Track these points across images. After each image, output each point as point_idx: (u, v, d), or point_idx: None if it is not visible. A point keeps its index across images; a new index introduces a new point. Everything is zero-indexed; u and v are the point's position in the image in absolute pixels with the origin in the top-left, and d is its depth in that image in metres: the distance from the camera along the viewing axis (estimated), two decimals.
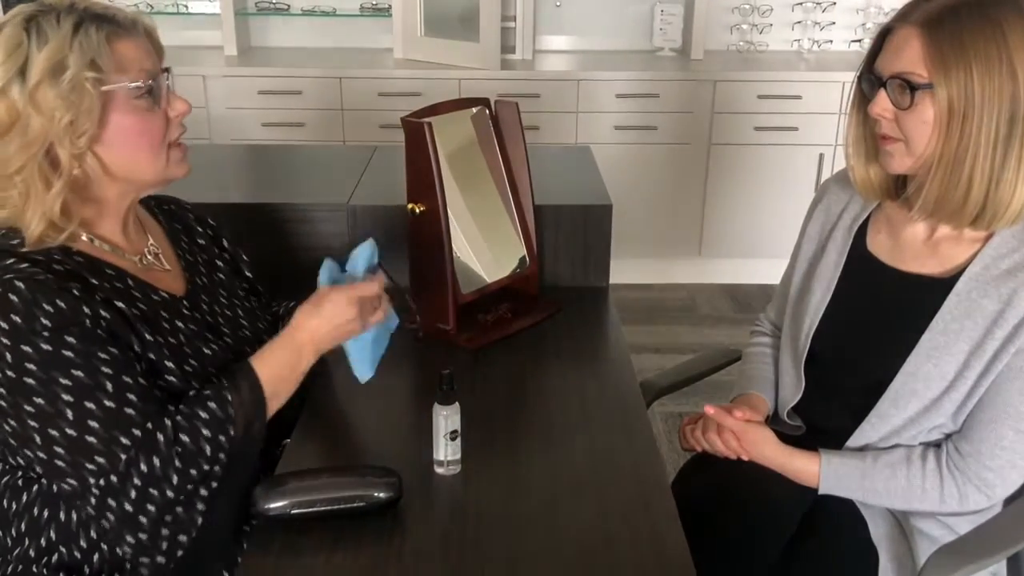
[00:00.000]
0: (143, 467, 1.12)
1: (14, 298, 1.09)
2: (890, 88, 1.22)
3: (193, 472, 1.15)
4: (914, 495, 1.29)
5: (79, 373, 1.10)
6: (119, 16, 1.19)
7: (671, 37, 3.83)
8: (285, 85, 3.55)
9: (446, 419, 1.20)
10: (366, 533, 1.12)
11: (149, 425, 1.13)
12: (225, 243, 1.49)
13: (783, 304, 1.54)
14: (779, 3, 3.89)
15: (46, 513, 1.18)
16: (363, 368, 1.35)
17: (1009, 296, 1.23)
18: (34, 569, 1.19)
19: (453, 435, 1.21)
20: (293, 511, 1.13)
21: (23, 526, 1.19)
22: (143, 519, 1.13)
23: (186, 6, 3.86)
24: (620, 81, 3.55)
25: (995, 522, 1.28)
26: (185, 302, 1.31)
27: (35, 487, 1.19)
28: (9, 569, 1.20)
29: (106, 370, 1.12)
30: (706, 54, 3.79)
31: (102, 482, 1.11)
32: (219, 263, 1.45)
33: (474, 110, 1.69)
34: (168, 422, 1.14)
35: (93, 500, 1.13)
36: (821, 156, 3.60)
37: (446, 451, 1.22)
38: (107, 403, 1.11)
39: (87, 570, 1.19)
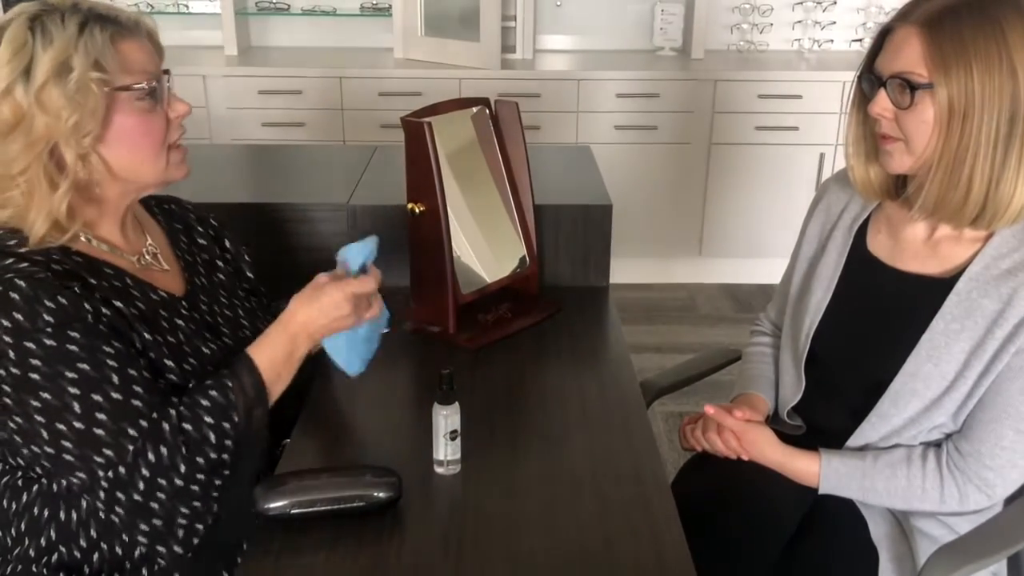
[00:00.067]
0: (151, 457, 1.12)
1: (15, 296, 1.09)
2: (890, 88, 1.22)
3: (200, 460, 1.15)
4: (914, 495, 1.29)
5: (85, 366, 1.11)
6: (122, 17, 1.19)
7: (671, 37, 3.83)
8: (285, 85, 3.56)
9: (446, 419, 1.21)
10: (366, 533, 1.12)
11: (155, 415, 1.14)
12: (227, 243, 1.49)
13: (783, 304, 1.54)
14: (779, 3, 3.88)
15: (46, 513, 1.18)
16: (353, 363, 1.35)
17: (1009, 296, 1.23)
18: (34, 569, 1.19)
19: (453, 435, 1.21)
20: (293, 511, 1.13)
21: (23, 526, 1.19)
22: (155, 506, 1.13)
23: (186, 6, 3.86)
24: (620, 81, 3.55)
25: (995, 522, 1.28)
26: (184, 302, 1.31)
27: (35, 487, 1.19)
28: (9, 569, 1.21)
29: (111, 363, 1.13)
30: (706, 54, 3.79)
31: (111, 474, 1.12)
32: (220, 263, 1.45)
33: (474, 110, 1.69)
34: (172, 412, 1.15)
35: (102, 493, 1.13)
36: (822, 156, 3.60)
37: (446, 451, 1.22)
38: (114, 395, 1.12)
39: (87, 570, 1.19)
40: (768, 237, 3.66)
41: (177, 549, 1.16)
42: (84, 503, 1.17)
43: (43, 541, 1.19)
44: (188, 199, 1.49)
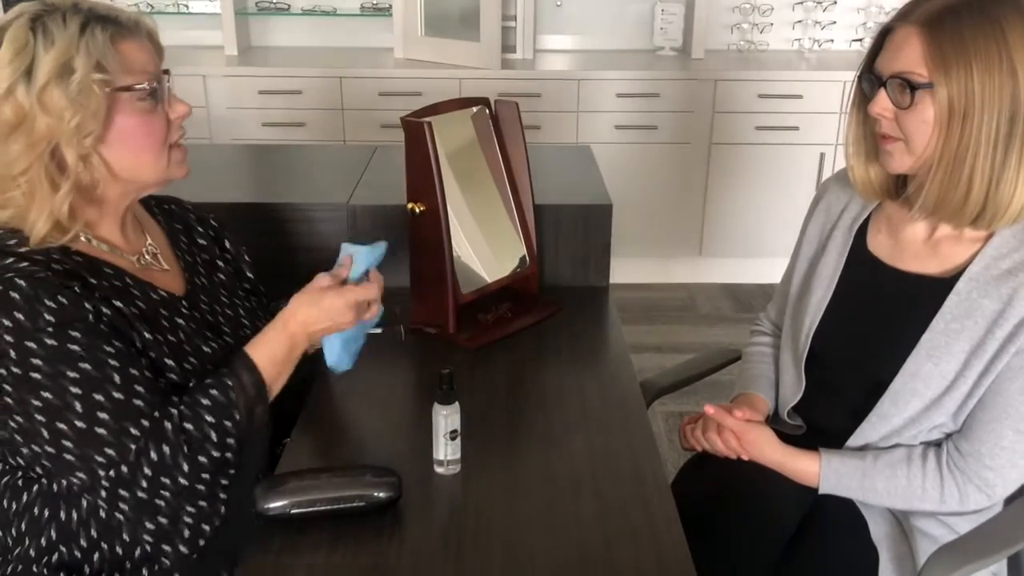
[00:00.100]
0: (153, 456, 1.12)
1: (16, 296, 1.09)
2: (890, 88, 1.22)
3: (203, 459, 1.15)
4: (914, 495, 1.29)
5: (86, 366, 1.11)
6: (122, 17, 1.19)
7: (672, 36, 3.83)
8: (285, 85, 3.56)
9: (446, 419, 1.21)
10: (366, 533, 1.12)
11: (156, 414, 1.14)
12: (227, 243, 1.49)
13: (783, 304, 1.54)
14: (780, 2, 3.88)
15: (46, 513, 1.19)
16: (344, 361, 1.35)
17: (1009, 296, 1.23)
18: (34, 569, 1.19)
19: (453, 435, 1.21)
20: (293, 511, 1.13)
21: (23, 526, 1.19)
22: (160, 503, 1.13)
23: (186, 6, 3.86)
24: (621, 80, 3.55)
25: (995, 521, 1.28)
26: (184, 301, 1.31)
27: (35, 487, 1.19)
28: (9, 569, 1.21)
29: (113, 362, 1.13)
30: (707, 53, 3.79)
31: (112, 473, 1.12)
32: (220, 263, 1.45)
33: (474, 110, 1.69)
34: (174, 411, 1.15)
35: (104, 492, 1.13)
36: (822, 155, 3.60)
37: (446, 451, 1.22)
38: (116, 394, 1.12)
39: (87, 570, 1.19)
40: (768, 237, 3.66)
41: (183, 549, 1.16)
42: (84, 503, 1.17)
43: (43, 541, 1.19)
44: (188, 199, 1.49)
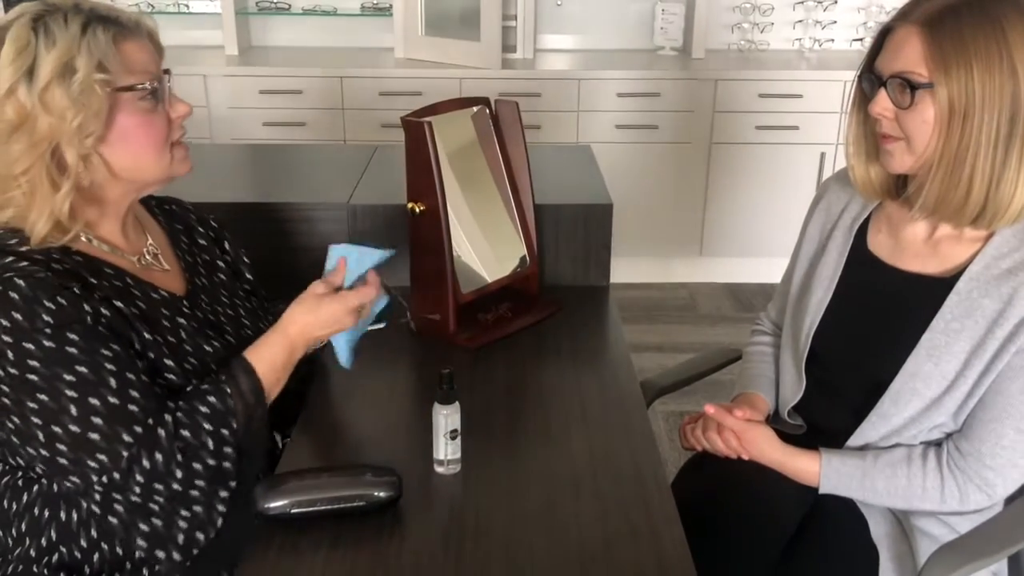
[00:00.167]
0: (145, 463, 1.12)
1: (15, 296, 1.09)
2: (890, 87, 1.22)
3: (198, 467, 1.15)
4: (915, 494, 1.29)
5: (83, 369, 1.11)
6: (123, 17, 1.19)
7: (672, 36, 3.82)
8: (286, 84, 3.56)
9: (446, 418, 1.21)
10: (366, 532, 1.12)
11: (151, 421, 1.13)
12: (227, 245, 1.49)
13: (784, 303, 1.54)
14: (780, 2, 3.88)
15: (46, 513, 1.19)
16: (350, 358, 1.36)
17: (1010, 295, 1.23)
18: (35, 569, 1.19)
19: (453, 434, 1.21)
20: (293, 510, 1.13)
21: (24, 526, 1.19)
22: (154, 506, 1.13)
23: (187, 5, 3.86)
24: (621, 80, 3.55)
25: (996, 521, 1.28)
26: (185, 301, 1.31)
27: (35, 487, 1.19)
28: (10, 569, 1.21)
29: (109, 366, 1.12)
30: (707, 53, 3.79)
31: (104, 479, 1.12)
32: (220, 264, 1.45)
33: (474, 109, 1.69)
34: (169, 418, 1.15)
35: (97, 496, 1.13)
36: (822, 155, 3.60)
37: (446, 450, 1.22)
38: (111, 399, 1.11)
39: (87, 570, 1.19)
40: (769, 236, 3.65)
41: (176, 556, 1.16)
42: (84, 504, 1.17)
43: (43, 541, 1.19)
44: (189, 198, 1.49)
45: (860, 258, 1.39)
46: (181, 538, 1.16)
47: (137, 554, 1.18)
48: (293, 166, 2.10)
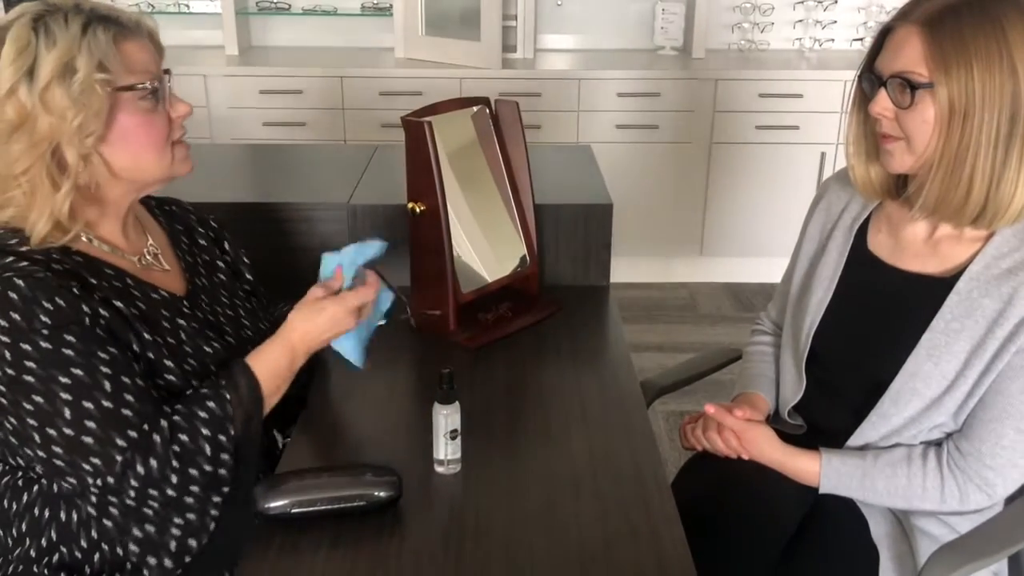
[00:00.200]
0: (139, 469, 1.12)
1: (13, 296, 1.09)
2: (890, 87, 1.22)
3: (193, 472, 1.15)
4: (915, 494, 1.29)
5: (78, 372, 1.10)
6: (123, 17, 1.19)
7: (672, 36, 3.82)
8: (286, 84, 3.56)
9: (446, 418, 1.20)
10: (366, 532, 1.12)
11: (145, 427, 1.13)
12: (227, 245, 1.49)
13: (784, 303, 1.54)
14: (780, 2, 3.88)
15: (47, 513, 1.18)
16: (359, 359, 1.36)
17: (1010, 295, 1.23)
18: (35, 569, 1.19)
19: (453, 434, 1.21)
20: (293, 510, 1.13)
21: (24, 526, 1.19)
22: (148, 511, 1.13)
23: (187, 5, 3.86)
24: (621, 80, 3.55)
25: (996, 521, 1.28)
26: (185, 302, 1.31)
27: (35, 487, 1.19)
28: (10, 569, 1.21)
29: (105, 370, 1.12)
30: (707, 53, 3.79)
31: (99, 482, 1.12)
32: (220, 264, 1.45)
33: (474, 109, 1.69)
34: (165, 423, 1.14)
35: (93, 499, 1.13)
36: (823, 155, 3.60)
37: (446, 450, 1.22)
38: (105, 403, 1.11)
39: (88, 570, 1.19)
40: (769, 236, 3.65)
41: (168, 563, 1.16)
42: (83, 505, 1.17)
43: (44, 541, 1.19)
44: (189, 198, 1.49)
45: (860, 258, 1.39)
46: (173, 545, 1.16)
47: (130, 559, 1.17)
48: (293, 166, 2.10)
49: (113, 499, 1.13)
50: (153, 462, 1.12)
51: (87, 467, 1.11)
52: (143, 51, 1.20)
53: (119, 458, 1.11)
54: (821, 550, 1.30)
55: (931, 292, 1.29)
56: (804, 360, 1.41)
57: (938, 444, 1.31)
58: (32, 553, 1.19)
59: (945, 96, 1.17)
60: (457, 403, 1.21)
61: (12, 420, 1.13)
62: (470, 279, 1.63)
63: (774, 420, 1.48)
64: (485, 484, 1.22)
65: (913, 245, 1.33)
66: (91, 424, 1.10)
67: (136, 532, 1.14)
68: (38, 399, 1.10)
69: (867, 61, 1.28)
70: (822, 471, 1.33)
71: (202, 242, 1.45)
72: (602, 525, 1.14)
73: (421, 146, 1.52)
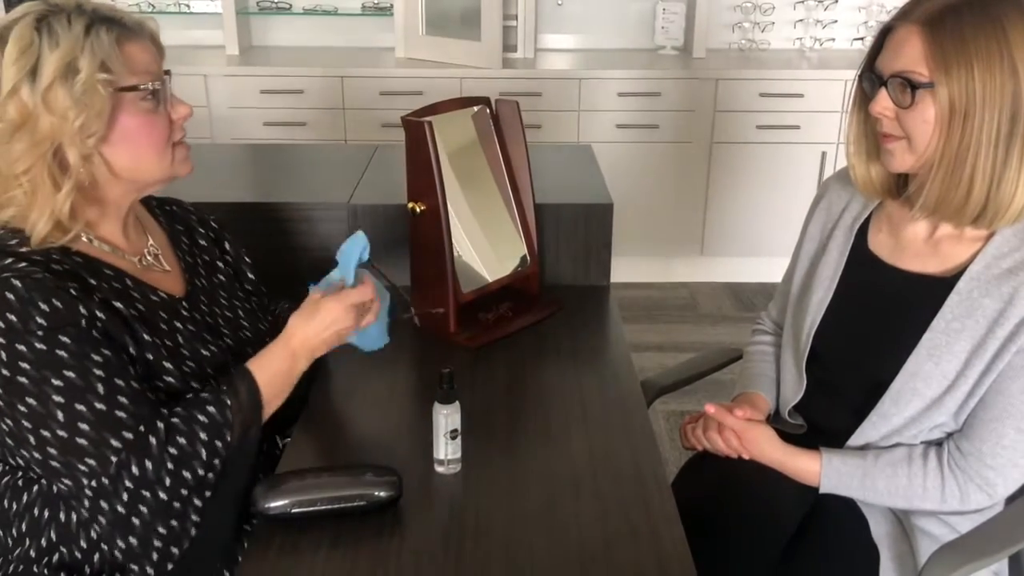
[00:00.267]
0: (134, 470, 1.12)
1: (11, 296, 1.09)
2: (891, 87, 1.21)
3: (187, 475, 1.15)
4: (915, 494, 1.29)
5: (71, 374, 1.10)
6: (126, 19, 1.20)
7: (673, 35, 3.82)
8: (287, 84, 3.56)
9: (446, 418, 1.20)
10: (366, 532, 1.12)
11: (141, 428, 1.13)
12: (228, 245, 1.49)
13: (784, 303, 1.54)
14: (781, 1, 3.88)
15: (46, 513, 1.18)
16: (378, 341, 1.37)
17: (1010, 295, 1.23)
18: (35, 569, 1.19)
19: (453, 434, 1.21)
20: (293, 510, 1.13)
21: (23, 526, 1.19)
22: (135, 521, 1.13)
23: (188, 5, 3.86)
24: (622, 80, 3.55)
25: (996, 520, 1.28)
26: (184, 303, 1.31)
27: (35, 487, 1.19)
28: (10, 569, 1.21)
29: (98, 372, 1.12)
30: (708, 52, 3.79)
31: (94, 483, 1.12)
32: (220, 264, 1.45)
33: (475, 109, 1.68)
34: (161, 425, 1.14)
35: (87, 501, 1.13)
36: (823, 154, 3.60)
37: (446, 450, 1.22)
38: (98, 405, 1.11)
39: (87, 570, 1.19)
40: (769, 236, 3.65)
41: (149, 571, 1.16)
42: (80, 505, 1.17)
43: (43, 542, 1.19)
44: (189, 198, 1.49)
45: (861, 258, 1.39)
46: (155, 555, 1.16)
47: (113, 564, 1.18)
48: (294, 166, 2.10)
49: (104, 505, 1.12)
50: (148, 463, 1.12)
51: (82, 468, 1.11)
52: (145, 52, 1.21)
53: (114, 459, 1.11)
54: (821, 550, 1.30)
55: (932, 292, 1.29)
56: (804, 360, 1.41)
57: (939, 444, 1.31)
58: (32, 553, 1.19)
59: (946, 96, 1.17)
60: (457, 403, 1.21)
61: (8, 422, 1.13)
62: (470, 279, 1.63)
63: (774, 420, 1.48)
64: (485, 484, 1.22)
65: (914, 245, 1.33)
66: (84, 426, 1.10)
67: (120, 543, 1.14)
68: (31, 401, 1.10)
69: (867, 61, 1.28)
70: (822, 471, 1.33)
71: (202, 242, 1.45)
72: (602, 525, 1.14)
73: (421, 146, 1.52)
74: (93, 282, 1.18)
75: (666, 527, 1.13)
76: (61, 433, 1.10)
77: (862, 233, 1.40)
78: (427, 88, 3.49)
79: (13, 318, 1.09)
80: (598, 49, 3.95)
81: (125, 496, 1.12)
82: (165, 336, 1.23)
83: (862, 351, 1.36)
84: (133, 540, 1.14)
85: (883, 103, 1.23)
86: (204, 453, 1.16)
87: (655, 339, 3.35)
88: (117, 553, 1.16)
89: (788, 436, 1.39)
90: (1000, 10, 1.16)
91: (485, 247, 1.67)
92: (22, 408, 1.10)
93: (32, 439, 1.11)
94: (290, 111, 3.57)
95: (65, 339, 1.11)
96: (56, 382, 1.10)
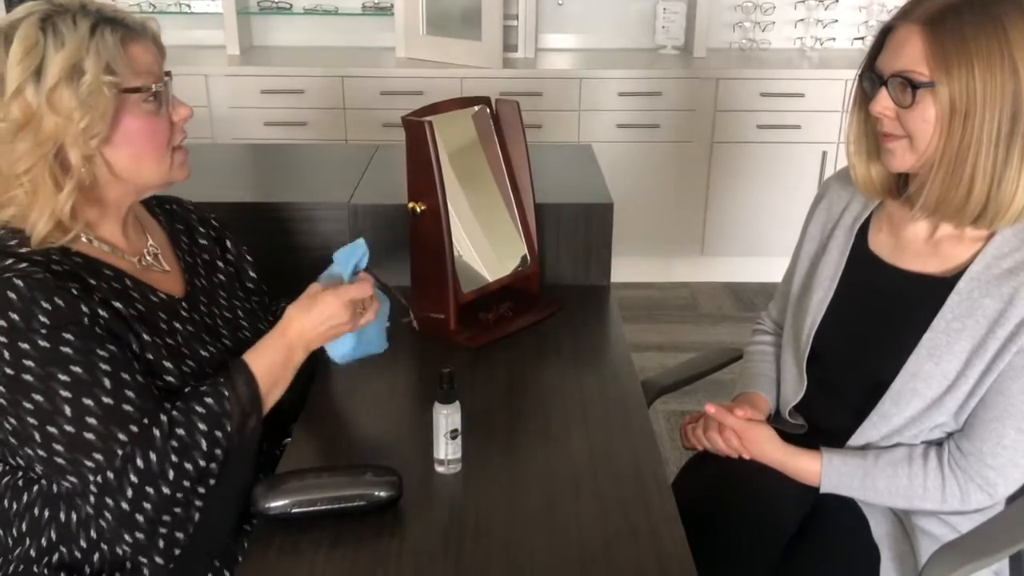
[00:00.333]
0: (139, 463, 1.12)
1: (13, 296, 1.09)
2: (891, 86, 1.21)
3: (189, 467, 1.15)
4: (916, 494, 1.28)
5: (77, 369, 1.11)
6: (129, 20, 1.20)
7: (673, 35, 3.82)
8: (287, 84, 3.56)
9: (446, 418, 1.20)
10: (366, 532, 1.12)
11: (146, 421, 1.13)
12: (229, 244, 1.49)
13: (785, 303, 1.54)
14: (781, 1, 3.88)
15: (46, 513, 1.19)
16: (377, 345, 1.37)
17: (1011, 295, 1.23)
18: (35, 569, 1.19)
19: (453, 434, 1.21)
20: (294, 510, 1.13)
21: (24, 526, 1.19)
22: (140, 517, 1.13)
23: (188, 5, 3.86)
24: (622, 79, 3.55)
25: (997, 520, 1.28)
26: (184, 303, 1.31)
27: (35, 487, 1.19)
28: (10, 569, 1.21)
29: (104, 367, 1.12)
30: (708, 52, 3.79)
31: (99, 479, 1.12)
32: (220, 264, 1.45)
33: (475, 109, 1.68)
34: (164, 418, 1.15)
35: (92, 498, 1.13)
36: (824, 154, 3.60)
37: (446, 450, 1.22)
38: (105, 399, 1.11)
39: (87, 570, 1.19)
40: (770, 235, 3.65)
41: (158, 560, 1.16)
42: (83, 504, 1.17)
43: (44, 541, 1.19)
44: (190, 198, 1.49)
45: (861, 258, 1.39)
46: (162, 543, 1.16)
47: (126, 559, 1.18)
48: (294, 166, 2.10)
49: (109, 502, 1.13)
50: (153, 455, 1.13)
51: (88, 464, 1.11)
52: (147, 53, 1.21)
53: (120, 452, 1.11)
54: (822, 550, 1.30)
55: (932, 292, 1.29)
56: (805, 360, 1.41)
57: (939, 444, 1.30)
58: (32, 553, 1.19)
59: (946, 95, 1.17)
60: (457, 403, 1.21)
61: (12, 420, 1.13)
62: (471, 279, 1.63)
63: (775, 420, 1.48)
64: (485, 484, 1.22)
65: (914, 245, 1.33)
66: (92, 421, 1.11)
67: (127, 537, 1.14)
68: (38, 397, 1.10)
69: (868, 60, 1.28)
70: (823, 471, 1.33)
71: (203, 241, 1.45)
72: (602, 525, 1.13)
73: (422, 146, 1.52)
74: (93, 282, 1.18)
75: (666, 527, 1.13)
76: (68, 428, 1.11)
77: (862, 233, 1.40)
78: (427, 88, 3.49)
79: (16, 317, 1.09)
80: (598, 49, 3.95)
81: (130, 492, 1.12)
82: (165, 336, 1.23)
83: (862, 351, 1.36)
84: (140, 535, 1.14)
85: (883, 103, 1.23)
86: (204, 443, 1.16)
87: (655, 339, 3.35)
88: (125, 548, 1.15)
89: (788, 436, 1.39)
90: (1000, 9, 1.16)
91: (485, 247, 1.67)
92: (28, 405, 1.10)
93: (38, 436, 1.11)
94: (291, 111, 3.57)
95: (69, 336, 1.11)
96: (63, 377, 1.10)
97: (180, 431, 1.15)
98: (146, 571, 1.19)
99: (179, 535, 1.17)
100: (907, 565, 1.29)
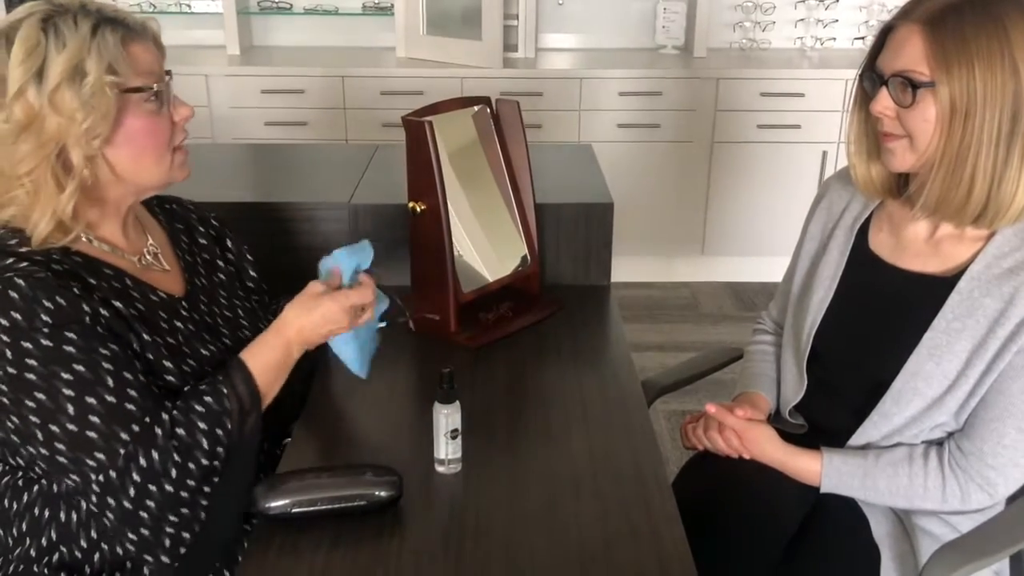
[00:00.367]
0: (142, 461, 1.12)
1: (14, 295, 1.09)
2: (892, 86, 1.21)
3: (191, 466, 1.15)
4: (916, 494, 1.28)
5: (80, 368, 1.11)
6: (130, 20, 1.20)
7: (674, 35, 3.82)
8: (288, 84, 3.56)
9: (447, 418, 1.20)
10: (366, 532, 1.12)
11: (147, 419, 1.14)
12: (229, 243, 1.49)
13: (785, 302, 1.54)
14: (782, 1, 3.88)
15: (47, 513, 1.19)
16: (360, 367, 1.35)
17: (1011, 295, 1.23)
18: (35, 569, 1.19)
19: (454, 434, 1.21)
20: (294, 510, 1.13)
21: (24, 526, 1.19)
22: (144, 515, 1.13)
23: (189, 5, 3.86)
24: (623, 79, 3.55)
25: (997, 520, 1.28)
26: (184, 303, 1.31)
27: (36, 487, 1.19)
28: (10, 569, 1.21)
29: (107, 366, 1.12)
30: (709, 52, 3.79)
31: (102, 478, 1.12)
32: (220, 263, 1.45)
33: (475, 109, 1.68)
34: (166, 416, 1.15)
35: (94, 498, 1.13)
36: (824, 154, 3.60)
37: (447, 450, 1.22)
38: (108, 398, 1.11)
39: (88, 570, 1.19)
40: (770, 235, 3.65)
41: (164, 559, 1.16)
42: (84, 504, 1.17)
43: (44, 541, 1.19)
44: (190, 198, 1.49)
45: (861, 257, 1.39)
46: (168, 542, 1.16)
47: (129, 557, 1.18)
48: (294, 166, 2.10)
49: (111, 501, 1.13)
50: (155, 454, 1.13)
51: (91, 462, 1.11)
52: (148, 53, 1.21)
53: (122, 451, 1.12)
54: (822, 550, 1.30)
55: (932, 292, 1.29)
56: (805, 359, 1.41)
57: (939, 443, 1.30)
58: (32, 553, 1.19)
59: (946, 95, 1.17)
60: (457, 403, 1.21)
61: (14, 419, 1.13)
62: (471, 278, 1.63)
63: (775, 419, 1.48)
64: (485, 484, 1.22)
65: (914, 244, 1.33)
66: (95, 419, 1.11)
67: (131, 535, 1.14)
68: (40, 396, 1.10)
69: (868, 60, 1.28)
70: (823, 470, 1.32)
71: (203, 241, 1.45)
72: (602, 525, 1.13)
73: (422, 146, 1.52)
74: (93, 282, 1.18)
75: (666, 527, 1.12)
76: (71, 427, 1.11)
77: (863, 233, 1.40)
78: (428, 88, 3.49)
79: (18, 316, 1.09)
80: (599, 48, 3.95)
81: (132, 491, 1.12)
82: (165, 335, 1.24)
83: (863, 351, 1.36)
84: (145, 531, 1.14)
85: (884, 102, 1.23)
86: (206, 442, 1.16)
87: (656, 339, 3.35)
88: (128, 546, 1.15)
89: (789, 436, 1.39)
90: (1001, 9, 1.16)
91: (485, 247, 1.67)
92: (30, 404, 1.11)
93: (40, 435, 1.11)
94: (291, 111, 3.57)
95: (71, 335, 1.11)
96: (66, 376, 1.10)
97: (180, 431, 1.15)
98: (147, 570, 1.19)
99: (185, 535, 1.17)
100: (907, 565, 1.29)
